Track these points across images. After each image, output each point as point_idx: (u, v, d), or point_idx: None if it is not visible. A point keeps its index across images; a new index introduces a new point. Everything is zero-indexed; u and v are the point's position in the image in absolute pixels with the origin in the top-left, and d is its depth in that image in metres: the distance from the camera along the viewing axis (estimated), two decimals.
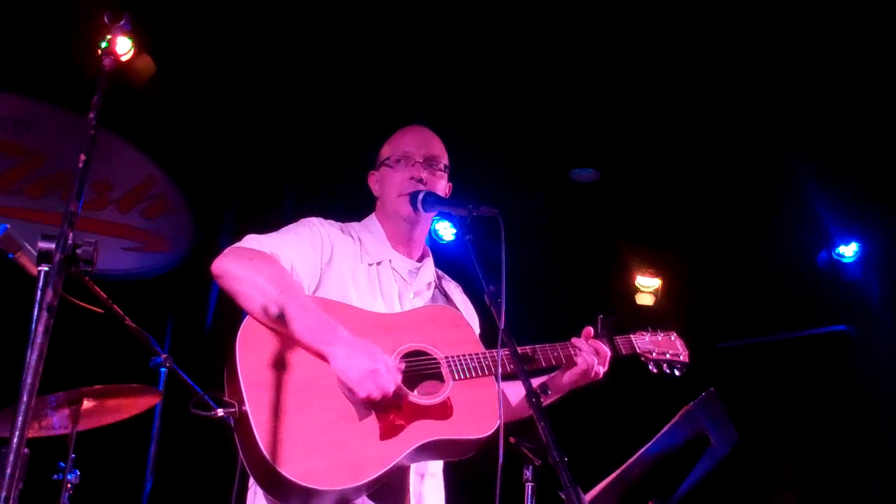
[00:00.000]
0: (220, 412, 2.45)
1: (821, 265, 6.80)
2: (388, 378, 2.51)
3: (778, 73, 5.42)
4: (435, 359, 2.70)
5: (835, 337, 6.90)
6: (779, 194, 6.38)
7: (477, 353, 2.76)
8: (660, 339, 3.25)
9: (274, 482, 2.40)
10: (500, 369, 2.54)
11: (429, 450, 2.60)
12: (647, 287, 7.40)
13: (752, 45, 5.23)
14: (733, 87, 5.59)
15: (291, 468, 2.36)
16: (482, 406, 2.71)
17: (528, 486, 2.83)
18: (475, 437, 2.64)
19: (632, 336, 3.20)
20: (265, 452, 2.36)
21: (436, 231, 6.88)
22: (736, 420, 3.13)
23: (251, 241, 2.69)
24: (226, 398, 2.50)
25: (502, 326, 2.50)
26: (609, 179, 6.75)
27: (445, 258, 7.43)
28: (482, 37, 5.38)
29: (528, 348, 2.88)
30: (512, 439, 2.73)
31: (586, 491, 2.93)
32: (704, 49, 5.33)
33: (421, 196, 2.83)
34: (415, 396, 2.62)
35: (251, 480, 2.59)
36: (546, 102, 5.91)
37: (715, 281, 7.11)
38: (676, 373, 3.23)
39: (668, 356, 3.22)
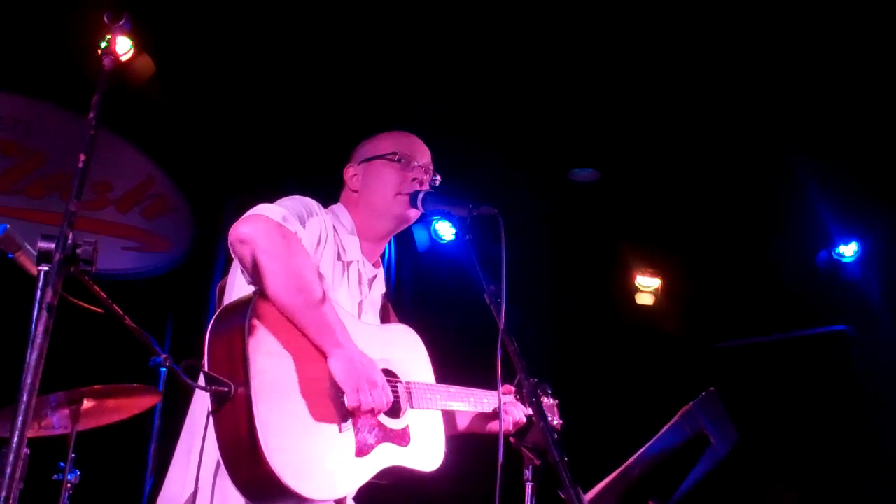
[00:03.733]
0: (213, 389, 2.28)
1: (821, 265, 6.80)
2: (383, 396, 2.50)
3: (778, 73, 5.42)
4: (399, 382, 2.69)
5: (835, 337, 6.90)
6: (779, 194, 6.37)
7: (433, 385, 2.81)
8: (549, 403, 3.30)
9: (255, 475, 2.25)
10: (500, 369, 2.54)
11: (382, 473, 2.58)
12: (647, 287, 7.40)
13: (753, 45, 5.23)
14: (733, 87, 5.58)
15: (283, 467, 2.24)
16: (432, 442, 2.75)
17: (528, 486, 2.83)
18: (424, 470, 2.67)
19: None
20: (262, 445, 2.21)
21: (436, 231, 6.89)
22: (736, 420, 3.13)
23: (274, 213, 2.54)
24: (209, 369, 2.34)
25: (502, 326, 2.50)
26: (609, 179, 6.74)
27: (445, 258, 7.43)
28: (482, 36, 5.38)
29: (460, 389, 2.91)
30: (512, 439, 2.74)
31: (586, 491, 2.93)
32: (704, 49, 5.32)
33: (421, 195, 2.81)
34: (385, 418, 2.61)
35: (213, 472, 2.41)
36: (546, 102, 5.90)
37: (715, 281, 7.11)
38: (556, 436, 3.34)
39: (554, 423, 3.28)
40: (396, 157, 2.91)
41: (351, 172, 2.96)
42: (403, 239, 6.82)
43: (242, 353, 2.32)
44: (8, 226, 2.15)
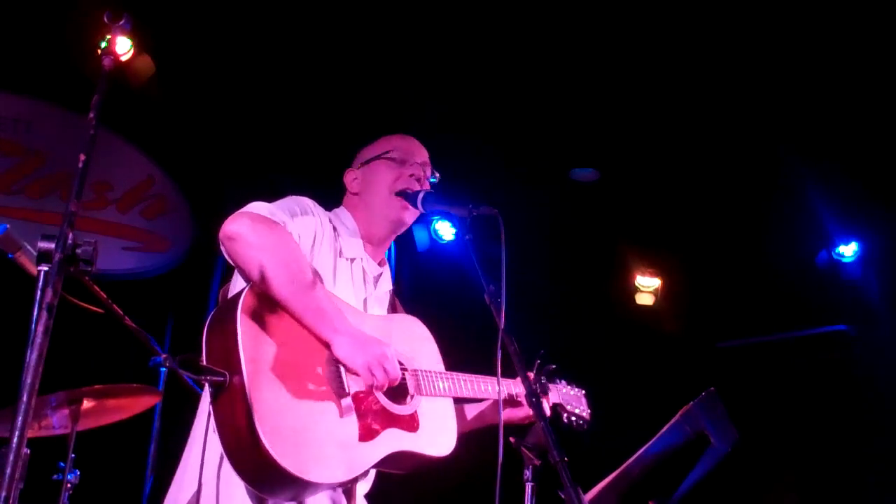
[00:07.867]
0: (209, 378, 2.33)
1: (821, 265, 6.80)
2: (395, 366, 2.54)
3: (777, 73, 5.42)
4: (405, 370, 2.69)
5: (835, 337, 6.90)
6: (779, 194, 6.37)
7: (442, 373, 2.80)
8: (572, 392, 3.34)
9: (254, 461, 2.29)
10: (500, 369, 2.54)
11: (392, 460, 2.58)
12: (647, 287, 7.40)
13: (752, 45, 5.23)
14: (733, 87, 5.58)
15: (279, 449, 2.27)
16: (442, 427, 2.75)
17: (528, 486, 2.83)
18: (435, 455, 2.67)
19: (556, 386, 3.28)
20: (258, 429, 2.25)
21: (436, 231, 6.89)
22: (736, 420, 3.13)
23: (261, 208, 2.60)
24: (207, 364, 2.39)
25: (502, 326, 2.50)
26: (609, 179, 6.74)
27: (445, 258, 7.43)
28: (482, 36, 5.38)
29: (472, 377, 2.89)
30: (512, 439, 2.73)
31: (586, 491, 2.93)
32: (703, 48, 5.33)
33: (421, 195, 2.82)
34: (390, 403, 2.62)
35: (217, 468, 2.43)
36: (546, 102, 5.90)
37: (715, 281, 7.11)
38: (580, 428, 3.36)
39: (577, 411, 3.32)
40: (392, 155, 2.95)
41: (351, 176, 3.00)
42: (403, 239, 6.80)
43: (236, 342, 2.36)
44: (8, 226, 2.15)
